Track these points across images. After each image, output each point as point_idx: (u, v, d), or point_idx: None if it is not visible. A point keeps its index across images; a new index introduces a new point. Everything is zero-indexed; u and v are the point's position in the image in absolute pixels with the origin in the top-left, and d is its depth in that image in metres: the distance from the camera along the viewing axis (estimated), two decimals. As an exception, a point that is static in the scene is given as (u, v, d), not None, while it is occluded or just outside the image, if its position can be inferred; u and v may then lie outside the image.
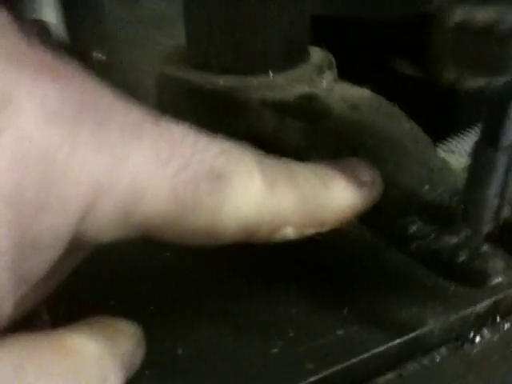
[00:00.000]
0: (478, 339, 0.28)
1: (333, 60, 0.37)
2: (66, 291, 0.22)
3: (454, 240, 0.24)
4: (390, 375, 0.27)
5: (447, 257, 0.24)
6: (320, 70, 0.35)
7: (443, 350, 0.28)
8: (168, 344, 0.26)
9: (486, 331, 0.28)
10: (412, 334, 0.27)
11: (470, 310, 0.29)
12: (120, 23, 0.46)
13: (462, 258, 0.23)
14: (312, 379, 0.25)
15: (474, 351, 0.27)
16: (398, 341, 0.27)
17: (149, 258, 0.31)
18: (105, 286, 0.29)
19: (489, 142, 0.22)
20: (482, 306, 0.29)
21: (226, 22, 0.33)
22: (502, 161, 0.22)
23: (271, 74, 0.34)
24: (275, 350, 0.26)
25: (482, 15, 0.18)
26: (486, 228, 0.24)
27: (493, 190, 0.23)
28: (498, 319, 0.29)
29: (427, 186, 0.27)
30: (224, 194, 0.20)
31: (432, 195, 0.26)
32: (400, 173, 0.27)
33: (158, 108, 0.20)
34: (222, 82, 0.33)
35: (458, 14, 0.18)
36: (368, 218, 0.27)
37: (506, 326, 0.28)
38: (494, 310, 0.29)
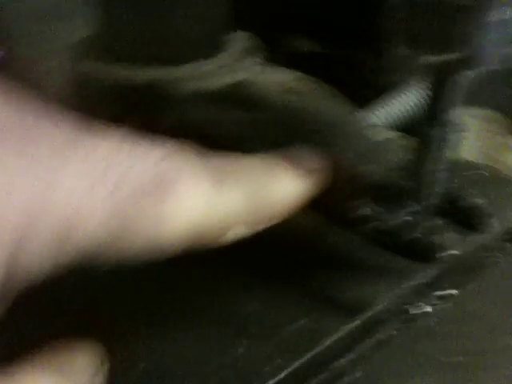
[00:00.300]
0: (430, 309, 0.29)
1: (260, 43, 0.36)
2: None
3: (406, 217, 0.24)
4: (351, 355, 0.28)
5: (402, 234, 0.24)
6: (248, 54, 0.34)
7: (397, 324, 0.29)
8: (130, 350, 0.25)
9: (437, 301, 0.30)
10: (369, 313, 0.28)
11: (419, 282, 0.29)
12: (18, 17, 0.42)
13: (417, 233, 0.24)
14: (283, 374, 0.24)
15: (429, 321, 0.28)
16: (357, 321, 0.27)
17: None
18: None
19: (436, 119, 0.23)
20: (429, 276, 0.30)
21: (143, 13, 0.31)
22: (446, 137, 0.23)
23: (196, 62, 0.33)
24: (241, 351, 0.25)
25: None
26: (435, 202, 0.25)
27: (440, 165, 0.24)
28: (447, 288, 0.30)
29: (371, 166, 0.27)
30: (169, 201, 0.18)
31: (378, 174, 0.27)
32: (344, 155, 0.27)
33: (77, 108, 0.19)
34: (148, 74, 0.31)
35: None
36: (320, 204, 0.27)
37: (456, 293, 0.30)
38: (441, 279, 0.30)
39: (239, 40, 0.36)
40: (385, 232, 0.24)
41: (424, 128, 0.23)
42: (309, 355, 0.25)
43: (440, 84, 0.22)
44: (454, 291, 0.30)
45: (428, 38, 0.19)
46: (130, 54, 0.32)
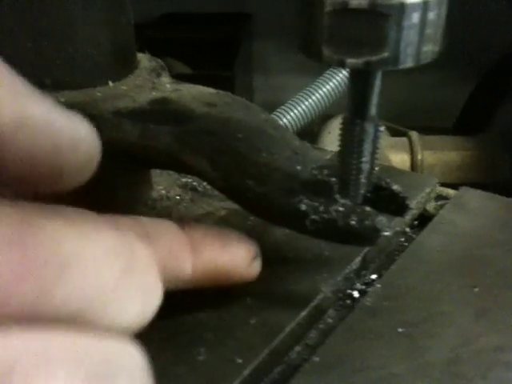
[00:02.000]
0: (365, 289, 0.32)
1: (163, 64, 0.37)
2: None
3: (340, 208, 0.26)
4: (298, 347, 0.29)
5: (341, 223, 0.26)
6: (157, 74, 0.35)
7: (339, 309, 0.31)
8: None
9: (367, 284, 0.32)
10: (313, 303, 0.29)
11: (349, 268, 0.32)
12: None
13: (353, 221, 0.26)
14: (246, 373, 0.25)
15: (365, 302, 0.30)
16: (303, 313, 0.29)
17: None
18: None
19: (357, 115, 0.25)
20: (356, 262, 0.33)
21: (52, 37, 0.31)
22: (369, 130, 0.26)
23: (111, 83, 0.33)
24: (201, 357, 0.26)
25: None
26: (363, 191, 0.27)
27: (366, 156, 0.26)
28: (373, 272, 0.33)
29: (298, 167, 0.29)
30: None
31: (306, 173, 0.28)
32: (274, 158, 0.29)
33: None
34: (64, 98, 0.30)
35: (334, 0, 0.21)
36: (259, 207, 0.28)
37: (381, 275, 0.33)
38: (366, 264, 0.33)
39: (144, 61, 0.36)
40: (322, 224, 0.26)
41: (346, 123, 0.26)
42: (267, 351, 0.26)
43: (361, 82, 0.24)
44: (376, 275, 0.33)
45: (352, 42, 0.21)
46: (37, 80, 0.31)
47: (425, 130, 0.79)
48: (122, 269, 0.18)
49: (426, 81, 1.10)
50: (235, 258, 0.27)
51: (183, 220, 0.30)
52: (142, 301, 0.19)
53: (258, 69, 1.31)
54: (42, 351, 0.15)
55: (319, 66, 0.62)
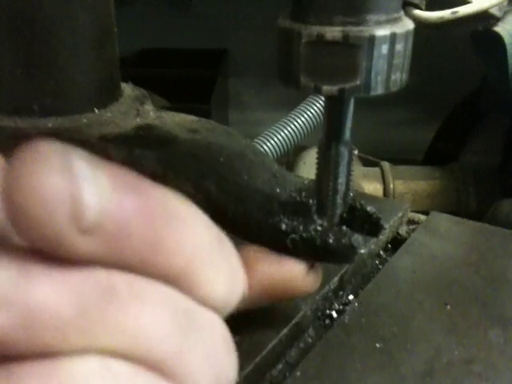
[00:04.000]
0: (342, 309, 0.33)
1: (146, 93, 0.38)
2: None
3: (318, 227, 0.28)
4: (279, 365, 0.30)
5: (319, 242, 0.27)
6: (141, 102, 0.36)
7: (317, 327, 0.32)
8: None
9: (344, 303, 0.33)
10: (294, 321, 0.30)
11: (327, 288, 0.33)
12: None
13: (331, 239, 0.27)
14: (230, 388, 0.26)
15: (343, 319, 0.31)
16: (284, 331, 0.30)
17: None
18: None
19: (333, 139, 0.27)
20: (333, 282, 0.34)
21: (41, 65, 0.32)
22: (344, 153, 0.27)
23: (96, 110, 0.34)
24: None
25: (331, 32, 0.22)
26: (339, 212, 0.29)
27: (342, 178, 0.28)
28: (350, 293, 0.34)
29: (278, 189, 0.30)
30: None
31: (285, 195, 0.30)
32: (254, 181, 0.30)
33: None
34: (50, 124, 0.31)
35: (310, 32, 0.22)
36: (240, 226, 0.29)
37: (358, 294, 0.34)
38: (343, 285, 0.35)
39: (128, 90, 0.38)
40: (301, 242, 0.28)
41: (322, 147, 0.27)
42: (250, 367, 0.27)
43: (336, 108, 0.26)
44: (353, 296, 0.35)
45: (326, 70, 0.23)
46: (24, 107, 0.32)
47: (395, 162, 0.82)
48: (215, 237, 0.20)
49: (396, 117, 1.14)
50: (291, 271, 0.27)
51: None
52: (228, 279, 0.20)
53: (234, 103, 1.34)
54: (139, 288, 0.17)
55: (293, 102, 0.65)
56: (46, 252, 0.16)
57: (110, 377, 0.16)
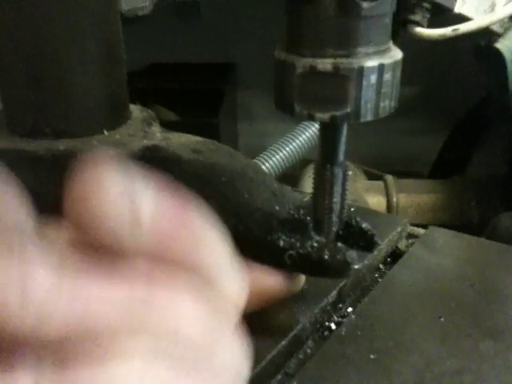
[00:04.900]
0: (339, 321, 0.34)
1: (154, 114, 0.40)
2: None
3: (315, 243, 0.29)
4: (279, 376, 0.31)
5: (315, 257, 0.29)
6: (148, 124, 0.38)
7: (315, 338, 0.34)
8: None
9: (342, 316, 0.35)
10: (293, 333, 0.32)
11: (325, 301, 0.35)
12: None
13: (326, 255, 0.29)
14: (230, 396, 0.27)
15: (340, 331, 0.33)
16: (283, 342, 0.31)
17: None
18: None
19: (328, 161, 0.28)
20: (332, 295, 0.35)
21: (53, 91, 0.34)
22: (339, 174, 0.29)
23: (106, 132, 0.36)
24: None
25: (323, 63, 0.24)
26: (335, 229, 0.30)
27: (337, 197, 0.29)
28: (348, 305, 0.36)
29: (277, 207, 0.32)
30: None
31: (284, 213, 0.32)
32: (254, 199, 0.32)
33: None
34: (62, 146, 0.33)
35: (303, 64, 0.24)
36: (240, 243, 0.31)
37: (356, 307, 0.35)
38: (341, 298, 0.36)
39: (136, 112, 0.40)
40: (298, 258, 0.29)
41: (318, 168, 0.29)
42: (249, 377, 0.29)
43: (329, 133, 0.27)
44: (352, 308, 0.36)
45: (319, 99, 0.24)
46: (37, 130, 0.34)
47: (399, 174, 0.83)
48: (229, 250, 0.22)
49: (400, 129, 1.15)
50: (267, 280, 0.29)
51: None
52: (240, 286, 0.22)
53: (242, 116, 1.36)
54: (178, 290, 0.19)
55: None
56: (96, 259, 0.17)
57: (150, 378, 0.18)
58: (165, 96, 1.20)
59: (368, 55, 0.24)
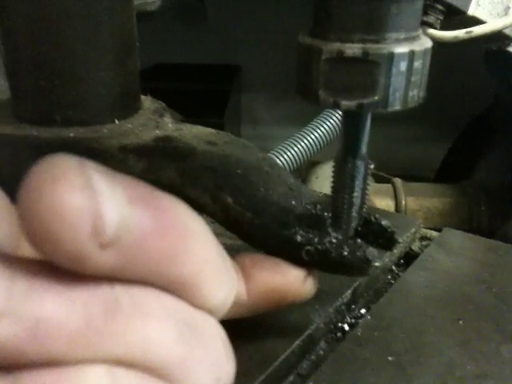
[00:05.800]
0: (354, 322, 0.33)
1: (164, 105, 0.39)
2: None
3: (333, 239, 0.28)
4: (291, 377, 0.30)
5: (335, 254, 0.28)
6: (160, 115, 0.37)
7: (330, 339, 0.32)
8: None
9: (357, 316, 0.34)
10: (306, 333, 0.31)
11: (340, 301, 0.33)
12: None
13: (346, 251, 0.28)
14: (243, 397, 0.26)
15: (356, 332, 0.31)
16: (297, 342, 0.30)
17: None
18: None
19: (350, 153, 0.27)
20: (346, 295, 0.34)
21: (64, 78, 0.33)
22: (360, 167, 0.28)
23: (117, 121, 0.35)
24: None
25: (351, 48, 0.23)
26: (354, 225, 0.29)
27: (357, 192, 0.28)
28: (362, 306, 0.34)
29: (293, 202, 0.31)
30: None
31: (300, 208, 0.30)
32: (270, 193, 0.31)
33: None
34: (72, 134, 0.32)
35: (330, 49, 0.23)
36: (256, 238, 0.29)
37: (370, 308, 0.34)
38: (356, 298, 0.35)
39: (147, 103, 0.39)
40: (316, 254, 0.28)
41: (339, 161, 0.28)
42: (262, 377, 0.27)
43: (353, 123, 0.26)
44: (365, 310, 0.35)
45: (345, 86, 0.23)
46: (47, 117, 0.33)
47: (406, 179, 0.82)
48: (219, 249, 0.20)
49: (408, 133, 1.15)
50: (287, 277, 0.27)
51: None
52: (228, 287, 0.21)
53: (246, 118, 1.35)
54: (145, 300, 0.18)
55: (304, 117, 0.65)
56: (54, 266, 0.16)
57: None
58: (169, 97, 1.19)
59: (398, 41, 0.23)
